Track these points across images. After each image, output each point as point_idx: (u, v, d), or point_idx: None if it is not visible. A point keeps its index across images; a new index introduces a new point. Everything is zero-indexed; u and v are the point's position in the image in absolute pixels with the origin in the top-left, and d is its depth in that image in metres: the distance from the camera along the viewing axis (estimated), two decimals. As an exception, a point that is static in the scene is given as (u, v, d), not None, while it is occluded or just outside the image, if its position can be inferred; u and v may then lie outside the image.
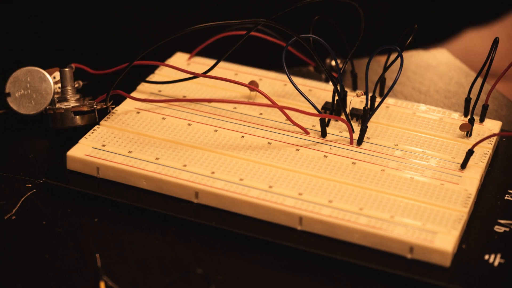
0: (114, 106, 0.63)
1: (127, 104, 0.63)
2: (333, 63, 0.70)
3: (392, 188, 0.56)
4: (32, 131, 0.64)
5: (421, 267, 0.52)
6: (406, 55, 0.76)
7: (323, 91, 0.66)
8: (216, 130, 0.61)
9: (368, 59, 0.59)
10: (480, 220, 0.56)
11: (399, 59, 0.59)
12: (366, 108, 0.61)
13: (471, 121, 0.62)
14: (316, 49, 0.62)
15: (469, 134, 0.62)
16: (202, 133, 0.60)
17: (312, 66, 0.72)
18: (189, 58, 0.69)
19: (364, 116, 0.61)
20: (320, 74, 0.72)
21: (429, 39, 0.91)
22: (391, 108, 0.64)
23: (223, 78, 0.62)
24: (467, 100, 0.64)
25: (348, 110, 0.63)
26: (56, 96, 0.63)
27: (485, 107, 0.63)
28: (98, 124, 0.61)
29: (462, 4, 0.91)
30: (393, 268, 0.52)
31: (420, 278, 0.51)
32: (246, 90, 0.65)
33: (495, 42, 0.61)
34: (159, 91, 0.65)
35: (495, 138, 0.62)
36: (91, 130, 0.60)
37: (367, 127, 0.60)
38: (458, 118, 0.64)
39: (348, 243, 0.53)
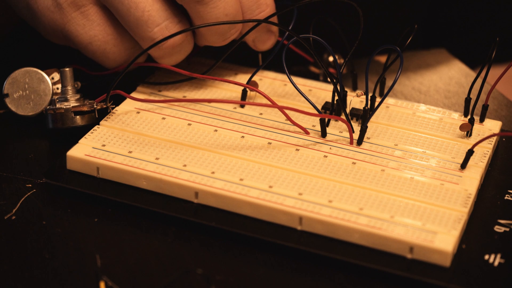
0: (114, 106, 0.63)
1: (127, 104, 0.63)
2: (331, 58, 0.70)
3: (392, 188, 0.56)
4: (32, 131, 0.64)
5: (421, 267, 0.52)
6: (406, 55, 0.76)
7: (323, 91, 0.66)
8: (216, 130, 0.61)
9: (368, 59, 0.59)
10: (480, 220, 0.56)
11: (399, 59, 0.59)
12: (366, 108, 0.61)
13: (471, 121, 0.62)
14: (316, 49, 0.62)
15: (469, 134, 0.62)
16: (202, 133, 0.60)
17: (312, 66, 0.72)
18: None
19: (364, 116, 0.61)
20: (320, 70, 0.72)
21: (429, 39, 0.91)
22: (391, 108, 0.64)
23: (223, 79, 0.62)
24: (467, 100, 0.64)
25: (348, 110, 0.63)
26: (55, 96, 0.63)
27: (485, 107, 0.63)
28: (98, 124, 0.61)
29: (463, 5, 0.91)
30: (393, 268, 0.52)
31: (420, 278, 0.51)
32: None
33: (495, 42, 0.61)
34: (159, 91, 0.65)
35: (495, 138, 0.62)
36: (91, 130, 0.60)
37: (367, 127, 0.60)
38: (458, 118, 0.64)
39: (348, 243, 0.53)
